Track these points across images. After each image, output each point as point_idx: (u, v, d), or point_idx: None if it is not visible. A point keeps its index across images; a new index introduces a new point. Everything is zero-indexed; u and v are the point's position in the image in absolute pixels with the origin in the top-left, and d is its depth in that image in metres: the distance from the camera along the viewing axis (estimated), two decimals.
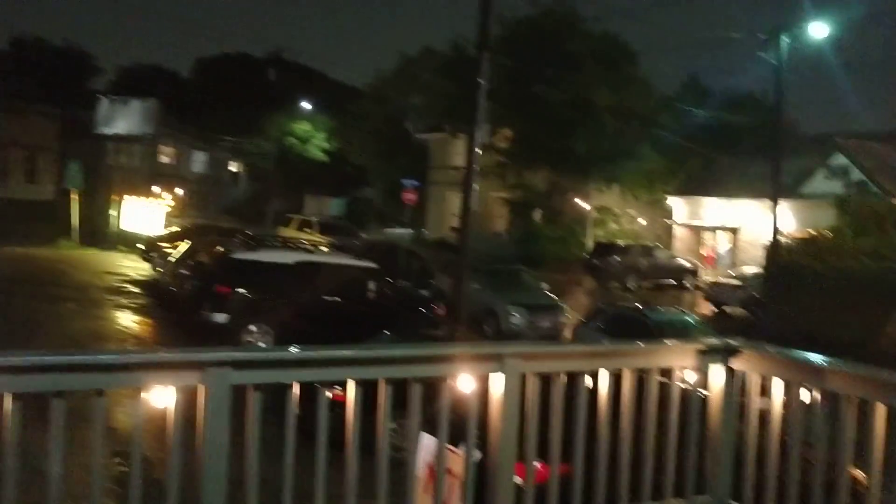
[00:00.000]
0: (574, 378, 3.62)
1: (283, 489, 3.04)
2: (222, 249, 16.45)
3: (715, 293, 27.75)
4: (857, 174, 30.85)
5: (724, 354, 3.91)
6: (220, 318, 14.34)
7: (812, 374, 3.66)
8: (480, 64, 16.29)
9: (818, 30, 22.33)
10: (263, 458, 3.00)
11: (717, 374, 3.92)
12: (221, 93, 61.13)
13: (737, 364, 3.90)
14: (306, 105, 56.18)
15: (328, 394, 3.09)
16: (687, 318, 16.80)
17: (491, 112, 23.51)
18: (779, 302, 21.74)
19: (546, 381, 3.56)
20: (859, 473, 3.59)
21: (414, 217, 42.27)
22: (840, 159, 31.83)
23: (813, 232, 26.94)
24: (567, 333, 18.59)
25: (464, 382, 3.41)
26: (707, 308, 27.19)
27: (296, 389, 3.04)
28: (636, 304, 19.21)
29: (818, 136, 35.77)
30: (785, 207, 28.18)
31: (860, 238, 25.40)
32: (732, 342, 3.94)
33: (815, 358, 3.70)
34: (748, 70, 36.91)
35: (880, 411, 3.32)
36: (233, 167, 62.23)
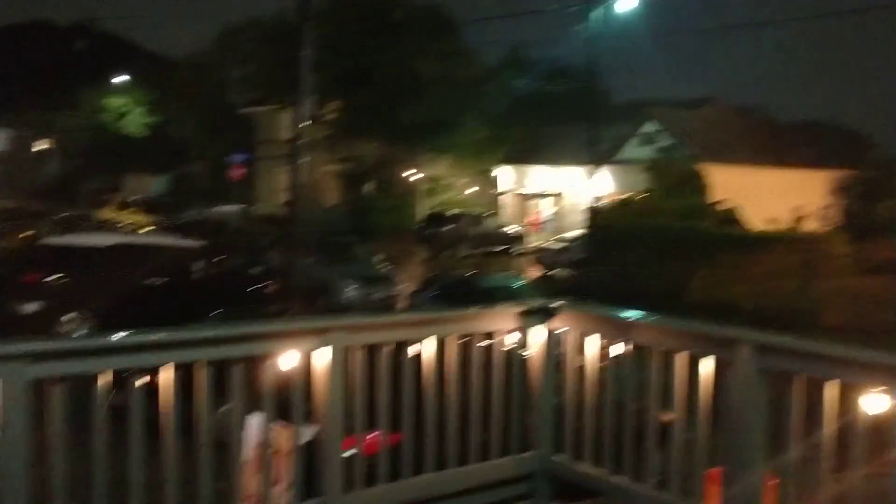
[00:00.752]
0: (401, 347, 3.64)
1: (94, 485, 2.87)
2: (29, 234, 15.25)
3: (542, 257, 28.96)
4: (666, 140, 33.00)
5: (544, 315, 4.06)
6: (31, 307, 13.32)
7: (623, 330, 3.88)
8: (303, 34, 15.94)
9: (626, 2, 23.52)
10: (75, 456, 2.81)
11: (537, 335, 4.07)
12: (21, 65, 56.25)
13: (555, 324, 4.07)
14: (121, 77, 52.83)
15: (141, 381, 2.94)
16: (515, 282, 17.41)
17: (318, 84, 23.11)
18: (600, 261, 22.97)
19: (373, 351, 3.56)
20: (670, 416, 3.86)
21: (243, 193, 41.00)
22: (650, 126, 33.91)
23: (628, 195, 28.66)
24: (403, 303, 18.78)
25: (289, 359, 3.35)
26: (535, 271, 28.28)
27: (107, 378, 2.86)
28: (467, 271, 19.69)
29: (631, 105, 37.90)
30: (603, 172, 29.80)
31: (670, 199, 27.28)
32: (551, 303, 4.11)
33: (625, 314, 3.93)
34: (566, 41, 38.43)
35: (682, 359, 3.58)
36: (41, 145, 57.64)
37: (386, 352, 3.57)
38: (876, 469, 3.28)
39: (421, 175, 40.60)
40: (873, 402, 3.08)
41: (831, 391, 3.09)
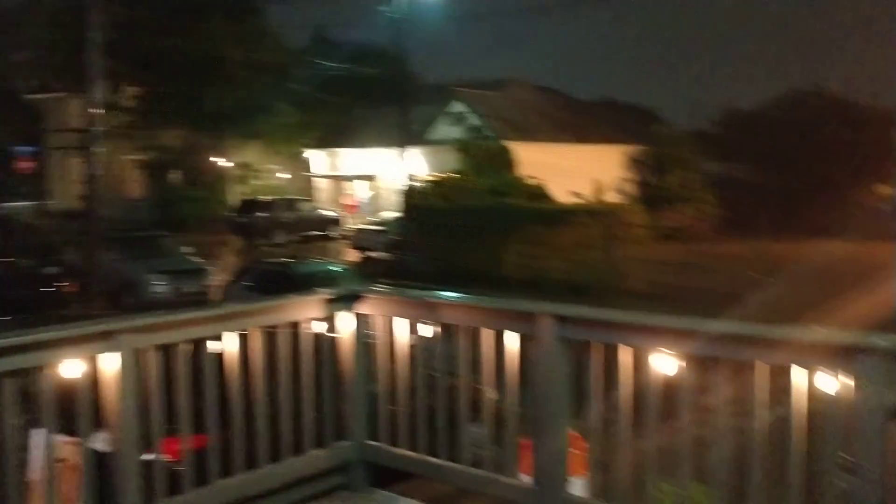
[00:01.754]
0: (199, 345, 3.45)
1: None
2: None
3: (359, 240, 28.88)
4: (474, 120, 33.86)
5: (350, 301, 3.99)
6: None
7: (430, 310, 3.89)
8: (90, 14, 14.82)
9: None
10: None
11: (345, 321, 4.00)
12: None
13: (363, 309, 4.01)
14: None
15: None
16: (332, 267, 17.25)
17: (112, 67, 21.63)
18: (416, 242, 23.26)
19: (169, 352, 3.35)
20: (482, 391, 3.93)
21: (34, 187, 37.76)
22: (458, 107, 34.67)
23: (441, 174, 29.18)
24: (216, 295, 18.08)
25: (72, 367, 3.06)
26: (354, 255, 28.20)
27: None
28: (283, 258, 19.26)
29: (439, 86, 38.52)
30: (416, 153, 30.13)
31: (481, 177, 28.05)
32: (357, 289, 4.05)
33: (431, 295, 3.94)
34: (373, 23, 38.34)
35: (488, 336, 3.64)
36: None
37: (182, 351, 3.36)
38: (668, 423, 3.50)
39: (231, 162, 39.25)
40: (662, 363, 3.27)
41: (625, 355, 3.25)
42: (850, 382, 2.71)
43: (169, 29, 33.05)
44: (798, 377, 2.84)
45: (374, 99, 36.04)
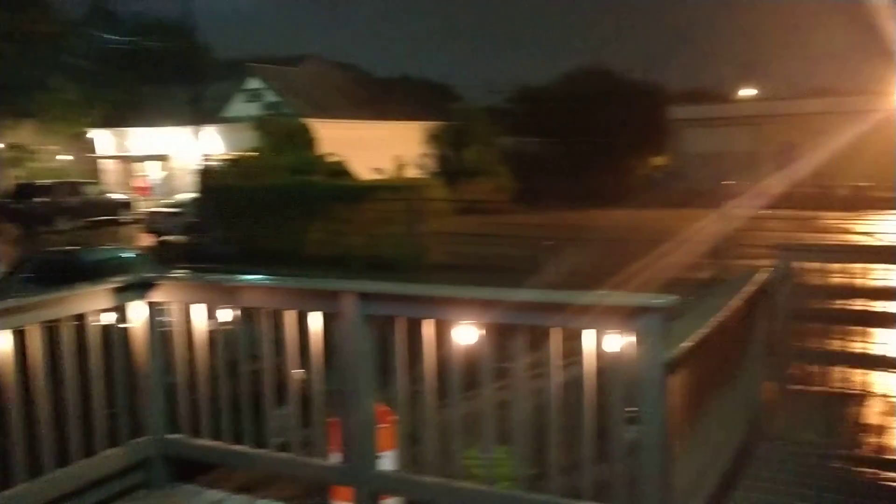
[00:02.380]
0: None
1: None
2: None
3: (153, 223, 27.35)
4: (271, 96, 33.01)
5: (142, 289, 3.77)
6: None
7: (230, 294, 3.75)
8: None
9: None
10: None
11: (137, 311, 3.77)
12: None
13: (157, 296, 3.80)
14: None
15: None
16: (124, 253, 16.18)
17: None
18: (215, 223, 22.40)
19: None
20: (290, 373, 3.85)
21: None
22: (255, 83, 33.65)
23: (239, 153, 28.24)
24: None
25: None
26: (148, 239, 26.71)
27: None
28: (68, 246, 17.85)
29: (234, 62, 37.13)
30: (211, 131, 28.96)
31: (280, 155, 27.44)
32: (149, 276, 3.82)
33: (230, 278, 3.80)
34: None
35: (291, 317, 3.57)
36: None
37: None
38: (472, 391, 3.62)
39: (0, 143, 35.74)
40: (464, 334, 3.36)
41: (429, 328, 3.31)
42: (633, 340, 2.92)
43: None
44: (588, 339, 3.02)
45: (164, 75, 34.14)
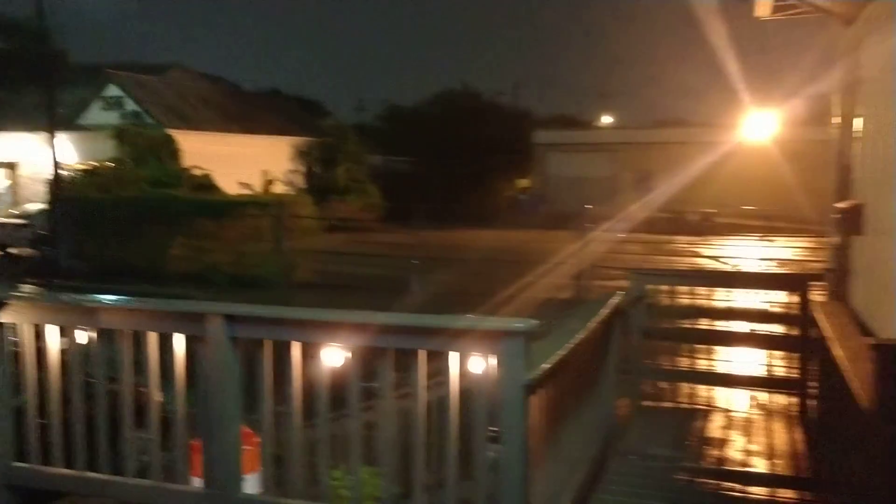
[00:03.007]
0: None
1: None
2: None
3: None
4: (131, 105, 31.67)
5: None
6: None
7: (87, 315, 3.61)
8: None
9: None
10: None
11: None
12: None
13: (6, 317, 3.61)
14: None
15: None
16: None
17: None
18: (66, 236, 21.24)
19: None
20: (148, 397, 3.74)
21: None
22: (114, 90, 32.20)
23: (95, 163, 26.93)
24: None
25: None
26: None
27: None
28: None
29: (91, 67, 35.40)
30: (65, 139, 27.42)
31: (141, 167, 26.40)
32: None
33: (87, 299, 3.65)
34: None
35: (153, 339, 3.47)
36: None
37: None
38: (339, 413, 3.63)
39: None
40: (332, 356, 3.38)
41: (296, 351, 3.31)
42: (495, 362, 3.04)
43: None
44: (453, 361, 3.11)
45: (12, 77, 32.07)
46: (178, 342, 3.44)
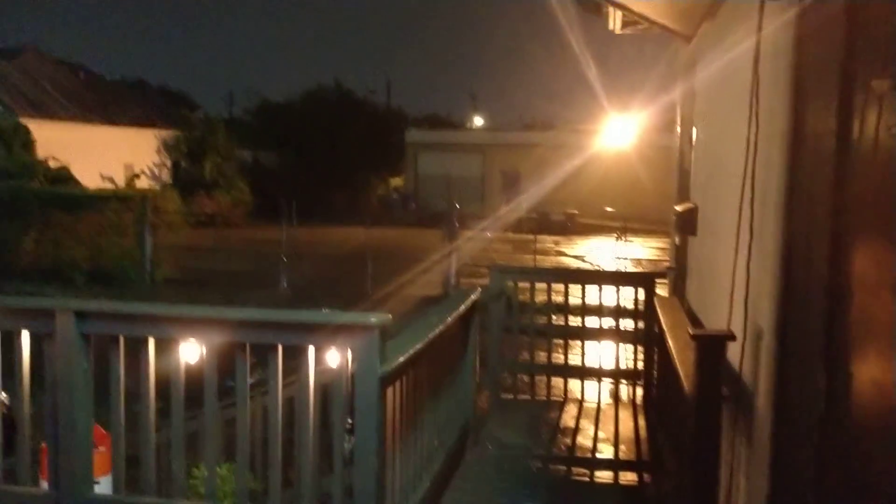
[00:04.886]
0: None
1: None
2: None
3: None
4: None
5: None
6: None
7: None
8: None
9: None
10: None
11: None
12: None
13: None
14: None
15: None
16: None
17: None
18: None
19: None
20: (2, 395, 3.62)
21: None
22: None
23: None
24: None
25: None
26: None
27: None
28: None
29: None
30: None
31: None
32: None
33: None
34: None
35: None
36: None
37: None
38: (196, 411, 3.63)
39: None
40: (188, 352, 3.38)
41: (151, 347, 3.29)
42: (351, 356, 3.14)
43: None
44: (309, 356, 3.18)
45: None
46: (22, 339, 3.35)
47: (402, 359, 3.34)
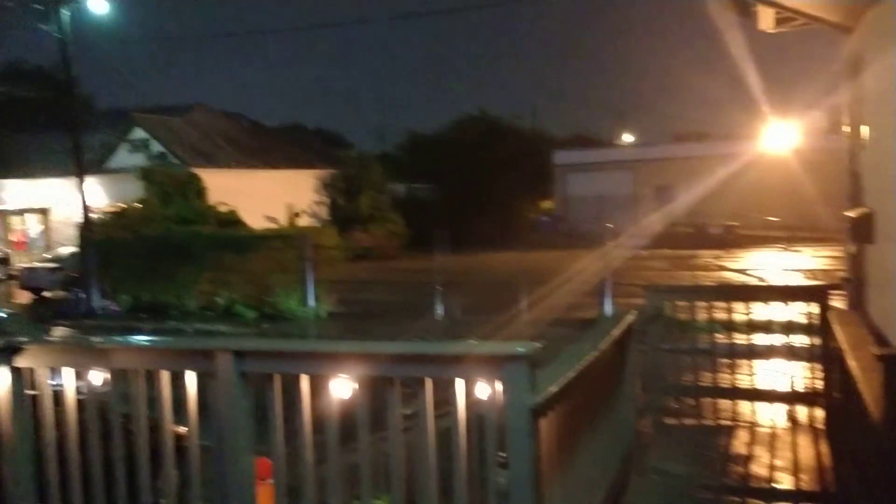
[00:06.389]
0: None
1: None
2: None
3: (30, 279, 26.05)
4: (156, 146, 32.26)
5: (8, 354, 3.65)
6: None
7: (100, 357, 3.67)
8: None
9: (98, 4, 22.27)
10: None
11: (1, 378, 3.64)
12: None
13: (23, 362, 3.68)
14: None
15: None
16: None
17: None
18: (96, 278, 21.56)
19: None
20: (181, 429, 3.79)
21: None
22: (140, 133, 32.83)
23: (123, 205, 27.39)
24: None
25: None
26: (25, 296, 25.44)
27: None
28: None
29: (116, 111, 36.15)
30: (93, 183, 27.97)
31: (167, 206, 26.80)
32: (13, 340, 3.70)
33: (99, 340, 3.73)
34: (32, 42, 34.92)
35: (165, 377, 3.53)
36: None
37: None
38: (350, 445, 3.65)
39: None
40: (341, 387, 3.41)
41: (305, 383, 3.34)
42: (501, 388, 3.04)
43: None
44: (459, 388, 3.12)
45: (42, 124, 32.85)
46: (190, 379, 3.49)
47: (554, 389, 3.22)
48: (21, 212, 34.87)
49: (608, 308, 14.47)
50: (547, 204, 42.55)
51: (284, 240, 21.36)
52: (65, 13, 21.77)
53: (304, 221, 28.51)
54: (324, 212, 33.38)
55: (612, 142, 46.90)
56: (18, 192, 34.54)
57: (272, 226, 25.33)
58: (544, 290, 16.98)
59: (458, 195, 38.12)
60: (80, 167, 22.64)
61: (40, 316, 20.12)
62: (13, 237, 34.82)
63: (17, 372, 3.68)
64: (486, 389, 3.27)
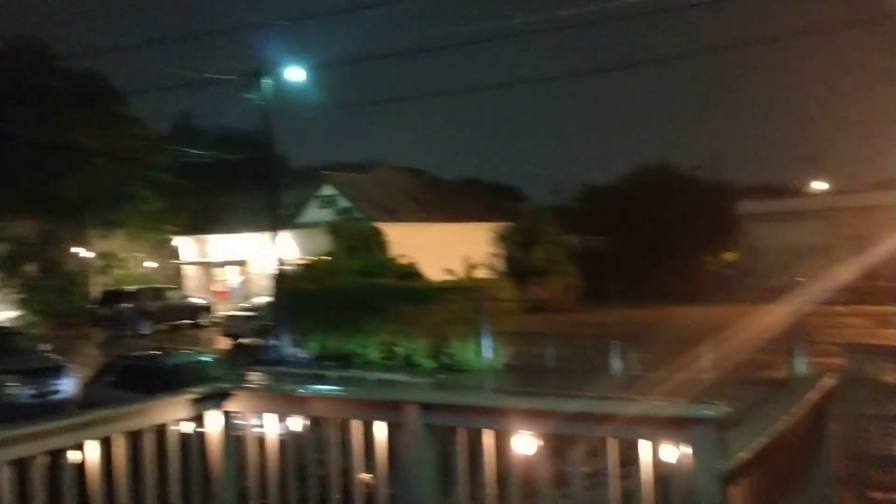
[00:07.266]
0: (56, 456, 3.34)
1: None
2: None
3: (230, 326, 28.14)
4: (343, 202, 34.13)
5: (218, 399, 3.98)
6: None
7: (298, 404, 3.93)
8: None
9: (294, 73, 24.10)
10: None
11: (213, 420, 3.97)
12: None
13: (231, 406, 4.00)
14: None
15: None
16: (202, 357, 16.71)
17: None
18: (287, 326, 22.90)
19: (24, 466, 3.23)
20: (366, 476, 3.98)
21: None
22: (328, 190, 34.91)
23: (313, 257, 29.08)
24: (77, 394, 17.10)
25: None
26: (225, 342, 27.44)
27: None
28: (151, 350, 18.52)
29: (308, 170, 38.72)
30: (286, 237, 29.98)
31: (352, 258, 28.14)
32: (225, 386, 4.04)
33: (299, 389, 3.99)
34: (236, 109, 38.17)
35: (357, 427, 3.72)
36: None
37: (40, 464, 3.25)
38: (532, 501, 3.66)
39: (92, 252, 37.68)
40: (523, 443, 3.44)
41: (488, 438, 3.41)
42: (689, 451, 2.96)
43: (18, 116, 31.88)
44: (644, 449, 3.06)
45: (242, 184, 35.78)
46: (379, 429, 3.65)
47: (746, 456, 3.08)
48: (223, 264, 37.87)
49: (801, 368, 13.55)
50: (730, 256, 40.71)
51: (462, 292, 21.77)
52: (266, 82, 23.68)
53: (480, 273, 28.96)
54: (500, 264, 33.76)
55: (801, 189, 44.33)
56: (221, 246, 37.60)
57: (450, 278, 25.92)
58: (729, 347, 16.16)
59: (634, 247, 37.34)
60: (274, 222, 24.34)
61: (238, 361, 21.62)
62: (215, 287, 37.81)
63: (227, 415, 4.01)
64: (672, 451, 3.19)
